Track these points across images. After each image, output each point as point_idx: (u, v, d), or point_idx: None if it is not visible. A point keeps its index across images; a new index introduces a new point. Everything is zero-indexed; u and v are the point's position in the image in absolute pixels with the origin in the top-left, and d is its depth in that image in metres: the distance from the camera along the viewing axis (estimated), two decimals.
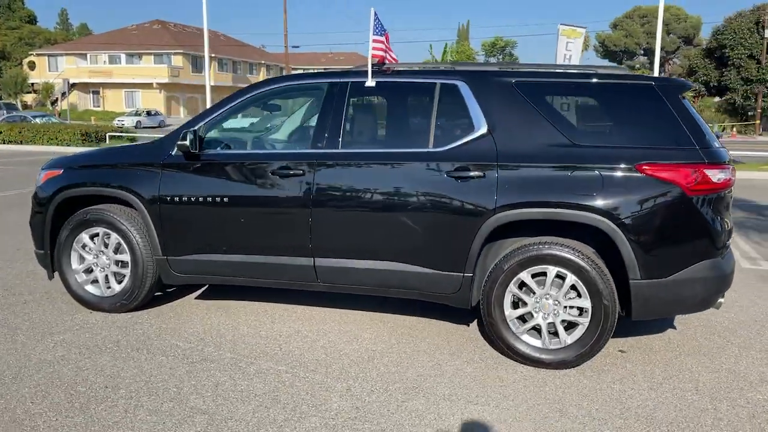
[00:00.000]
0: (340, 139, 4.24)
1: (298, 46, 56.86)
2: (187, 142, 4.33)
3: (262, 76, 65.93)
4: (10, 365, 3.83)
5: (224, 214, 4.43)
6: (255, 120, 6.20)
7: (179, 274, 4.64)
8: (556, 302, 3.89)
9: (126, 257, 4.69)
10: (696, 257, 3.76)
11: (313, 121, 4.48)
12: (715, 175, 3.70)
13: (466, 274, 4.02)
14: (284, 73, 56.37)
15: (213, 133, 4.61)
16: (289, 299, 5.10)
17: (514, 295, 3.97)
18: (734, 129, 43.23)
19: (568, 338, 3.89)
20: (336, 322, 4.69)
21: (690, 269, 3.75)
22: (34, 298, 5.16)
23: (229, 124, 5.49)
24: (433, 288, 4.13)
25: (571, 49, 19.13)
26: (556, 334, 3.93)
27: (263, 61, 71.07)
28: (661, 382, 3.75)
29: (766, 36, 42.31)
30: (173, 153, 4.56)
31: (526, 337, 3.97)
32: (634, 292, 3.76)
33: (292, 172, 4.25)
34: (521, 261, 3.88)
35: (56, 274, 4.89)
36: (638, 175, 3.72)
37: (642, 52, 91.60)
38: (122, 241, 4.67)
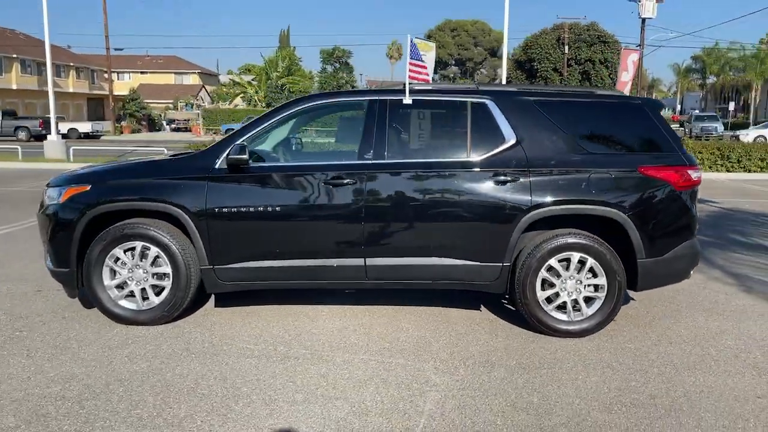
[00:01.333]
0: (385, 151, 4.75)
1: (121, 49, 53.58)
2: (246, 156, 4.57)
3: (71, 79, 61.08)
4: (102, 380, 3.86)
5: (276, 223, 4.72)
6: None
7: (225, 282, 4.83)
8: (579, 282, 4.74)
9: (166, 269, 4.77)
10: (682, 238, 4.82)
11: (351, 135, 4.94)
12: (693, 174, 4.79)
13: (504, 264, 4.73)
14: (106, 76, 53.11)
15: (254, 147, 4.86)
16: (307, 300, 5.44)
17: (543, 279, 4.75)
18: None
19: (588, 311, 4.75)
20: (369, 316, 5.16)
21: (678, 248, 4.80)
22: (55, 317, 5.00)
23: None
24: (476, 278, 4.78)
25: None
26: (576, 308, 4.77)
27: (72, 63, 65.87)
28: (656, 337, 4.76)
29: (566, 52, 47.96)
30: (218, 166, 4.75)
31: (554, 313, 4.77)
32: (641, 269, 4.72)
33: (345, 181, 4.67)
34: (551, 249, 4.68)
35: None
36: (640, 175, 4.70)
37: (453, 62, 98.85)
38: (162, 254, 4.75)
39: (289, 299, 5.45)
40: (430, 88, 5.03)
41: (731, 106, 57.81)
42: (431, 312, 5.28)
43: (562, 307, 4.79)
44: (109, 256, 4.77)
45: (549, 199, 4.66)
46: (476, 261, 4.75)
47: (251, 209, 4.70)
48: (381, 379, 3.95)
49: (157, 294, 4.84)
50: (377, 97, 4.89)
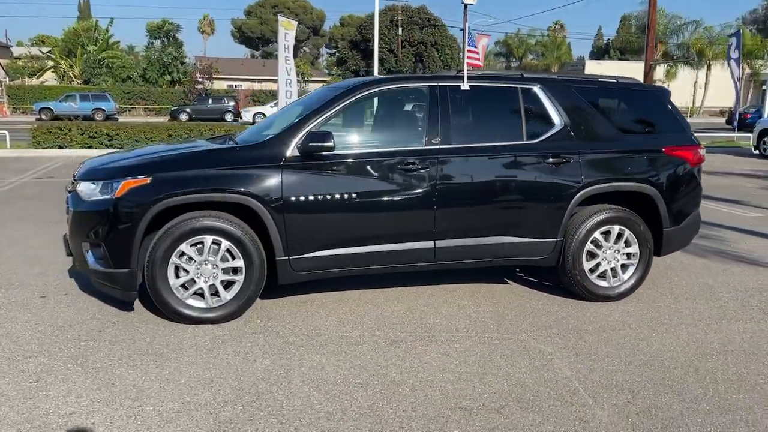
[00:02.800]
0: (451, 136, 4.91)
1: None
2: (332, 143, 4.48)
3: None
4: (242, 380, 3.68)
5: (351, 209, 4.70)
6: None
7: (300, 272, 4.71)
8: (617, 251, 5.30)
9: (237, 263, 4.56)
10: (692, 209, 5.57)
11: (410, 120, 5.04)
12: (701, 153, 5.54)
13: (558, 239, 5.15)
14: None
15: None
16: (349, 286, 5.46)
17: (588, 251, 5.24)
18: None
19: (624, 277, 5.34)
20: (425, 296, 5.32)
21: (690, 218, 5.54)
22: (105, 324, 4.53)
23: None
24: (532, 253, 5.15)
25: (288, 40, 20.74)
26: (614, 275, 5.32)
27: None
28: (678, 295, 5.49)
29: (400, 33, 49.65)
30: (289, 154, 4.60)
31: (596, 281, 5.29)
32: (665, 237, 5.39)
33: (418, 166, 4.77)
34: (597, 223, 5.18)
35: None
36: (665, 155, 5.34)
37: (276, 39, 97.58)
38: (234, 247, 4.52)
39: (332, 287, 5.41)
40: (481, 74, 5.25)
41: None
42: (472, 288, 5.56)
43: (602, 275, 5.31)
44: (175, 252, 4.44)
45: (597, 178, 5.14)
46: (535, 238, 5.11)
47: (327, 197, 4.63)
48: (501, 353, 4.18)
49: (227, 289, 4.60)
50: (439, 84, 5.02)
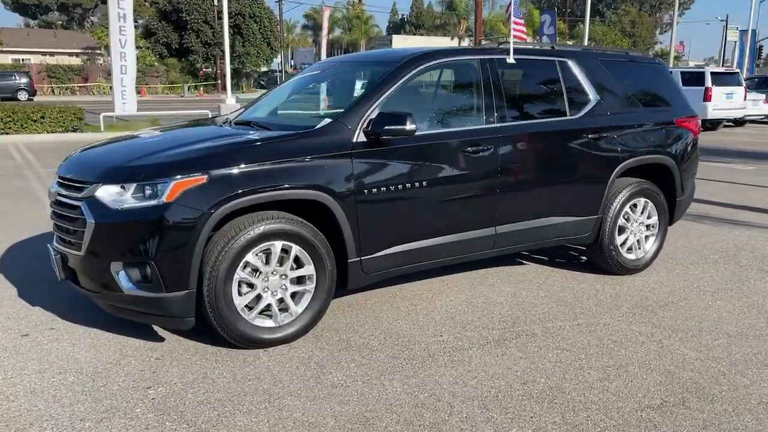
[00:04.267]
0: (505, 113, 4.58)
1: None
2: (414, 126, 3.91)
3: None
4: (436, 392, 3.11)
5: (421, 199, 4.21)
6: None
7: (370, 274, 4.13)
8: (641, 224, 5.37)
9: (307, 270, 3.87)
10: (692, 178, 5.79)
11: (467, 97, 4.65)
12: (699, 123, 5.76)
13: (598, 215, 5.07)
14: None
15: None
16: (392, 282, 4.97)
17: (619, 225, 5.24)
18: (201, 89, 47.29)
19: (647, 247, 5.43)
20: (468, 287, 4.98)
21: (690, 186, 5.77)
22: (166, 354, 3.59)
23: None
24: (578, 231, 5.02)
25: (124, 7, 19.23)
26: (635, 247, 5.38)
27: None
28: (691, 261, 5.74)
29: (215, 4, 46.94)
30: (356, 139, 3.97)
31: (626, 254, 5.32)
32: (677, 206, 5.56)
33: (482, 147, 4.39)
34: (629, 197, 5.18)
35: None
36: (677, 127, 5.48)
37: (56, 7, 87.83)
38: (305, 252, 3.83)
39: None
40: (519, 47, 4.93)
41: None
42: (501, 273, 5.33)
43: (630, 248, 5.35)
44: (241, 264, 3.64)
45: (631, 151, 5.13)
46: (581, 216, 4.99)
47: (399, 186, 4.09)
48: (609, 340, 4.00)
49: (296, 303, 3.89)
50: (489, 57, 4.63)
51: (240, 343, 3.73)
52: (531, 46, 5.21)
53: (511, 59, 4.70)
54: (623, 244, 5.29)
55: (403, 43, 79.85)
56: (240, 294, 3.69)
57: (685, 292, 4.92)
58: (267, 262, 3.75)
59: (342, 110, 4.15)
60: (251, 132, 4.19)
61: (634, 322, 4.30)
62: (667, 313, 4.48)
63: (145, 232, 3.46)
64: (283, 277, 3.81)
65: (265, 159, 3.71)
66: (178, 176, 3.49)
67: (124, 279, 3.54)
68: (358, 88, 4.88)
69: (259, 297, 3.76)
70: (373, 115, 4.02)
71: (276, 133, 4.04)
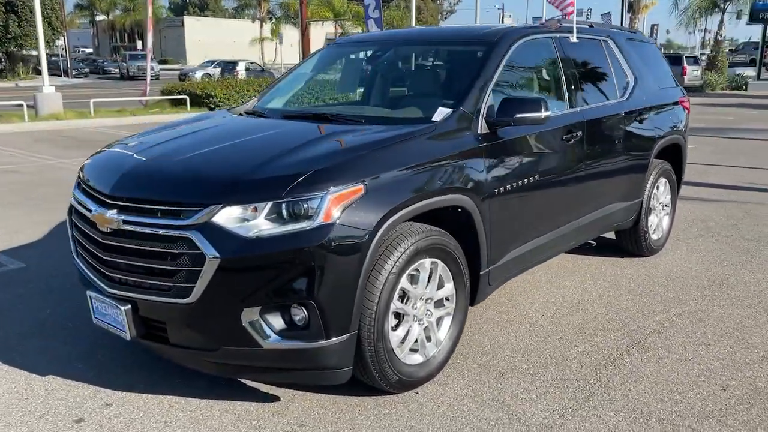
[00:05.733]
0: (577, 96, 4.26)
1: None
2: (549, 112, 3.41)
3: None
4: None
5: (542, 193, 3.84)
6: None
7: (493, 285, 3.60)
8: (661, 204, 5.39)
9: (447, 290, 3.25)
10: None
11: (549, 79, 4.25)
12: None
13: (639, 199, 4.98)
14: None
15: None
16: None
17: (652, 206, 5.21)
18: None
19: (663, 226, 5.49)
20: (526, 283, 4.63)
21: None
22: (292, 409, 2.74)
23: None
24: (626, 217, 4.88)
25: None
26: (659, 228, 5.41)
27: None
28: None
29: None
30: (480, 131, 3.40)
31: (653, 235, 5.30)
32: (680, 183, 5.68)
33: (574, 134, 4.06)
34: (656, 179, 5.16)
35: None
36: (680, 106, 5.57)
37: None
38: (447, 269, 3.20)
39: None
40: (569, 26, 4.59)
41: (139, 45, 59.71)
42: (542, 266, 5.05)
43: (655, 229, 5.35)
44: (397, 292, 2.93)
45: (663, 133, 5.12)
46: (630, 200, 4.86)
47: (520, 183, 3.60)
48: (714, 325, 3.91)
49: (438, 328, 3.25)
50: (560, 35, 4.26)
51: (394, 389, 3.02)
52: (580, 25, 4.90)
53: (573, 38, 4.38)
54: (651, 225, 5.28)
55: (195, 24, 74.53)
56: (393, 329, 2.98)
57: (722, 268, 5.01)
58: (415, 284, 3.06)
59: (452, 99, 3.52)
60: (357, 128, 3.37)
61: (718, 306, 4.25)
62: (734, 293, 4.50)
63: (299, 265, 2.60)
64: (428, 301, 3.15)
65: (407, 162, 3.00)
66: (333, 188, 2.67)
67: (264, 329, 2.65)
68: (434, 72, 4.24)
69: (408, 329, 3.07)
70: (490, 102, 3.47)
71: (401, 129, 3.25)
